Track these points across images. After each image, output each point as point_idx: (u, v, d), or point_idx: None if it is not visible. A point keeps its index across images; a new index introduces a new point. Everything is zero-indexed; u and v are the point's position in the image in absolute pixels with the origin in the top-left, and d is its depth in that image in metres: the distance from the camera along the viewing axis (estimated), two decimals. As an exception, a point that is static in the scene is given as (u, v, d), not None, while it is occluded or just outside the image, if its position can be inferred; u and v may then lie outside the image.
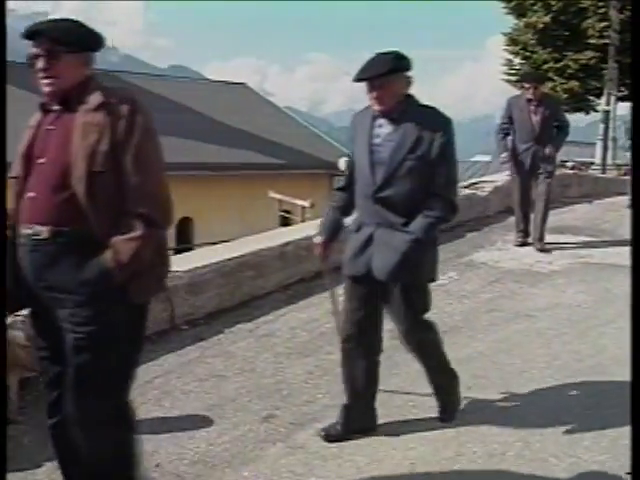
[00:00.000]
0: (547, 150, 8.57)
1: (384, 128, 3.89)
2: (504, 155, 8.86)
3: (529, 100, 8.61)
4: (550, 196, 8.86)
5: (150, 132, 2.87)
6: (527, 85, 8.70)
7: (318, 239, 4.19)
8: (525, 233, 8.96)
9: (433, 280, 4.10)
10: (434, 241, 4.04)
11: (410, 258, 3.80)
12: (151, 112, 2.91)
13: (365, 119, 3.97)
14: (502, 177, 10.99)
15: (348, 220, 4.18)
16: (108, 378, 2.88)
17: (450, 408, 4.30)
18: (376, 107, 3.85)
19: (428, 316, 4.13)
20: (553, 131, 8.72)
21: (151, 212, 2.82)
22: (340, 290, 4.25)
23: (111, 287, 2.75)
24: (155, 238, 2.87)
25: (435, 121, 3.83)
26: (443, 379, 4.29)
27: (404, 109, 3.84)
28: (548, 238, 8.98)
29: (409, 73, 3.86)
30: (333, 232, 4.18)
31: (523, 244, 8.89)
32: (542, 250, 8.59)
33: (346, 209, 4.16)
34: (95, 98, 2.85)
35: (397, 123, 3.84)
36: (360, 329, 3.99)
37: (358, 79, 3.81)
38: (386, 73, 3.73)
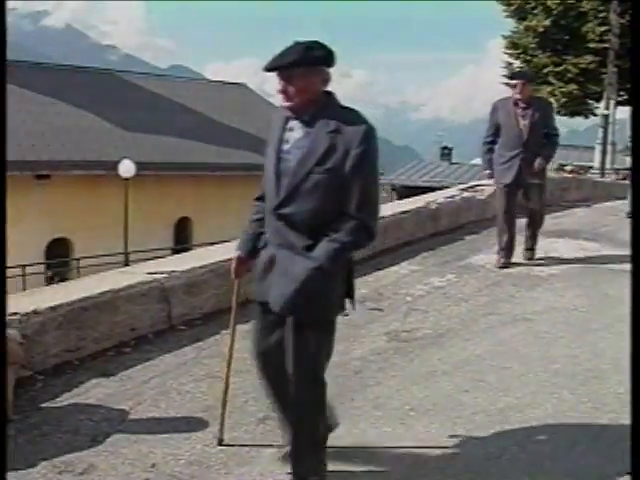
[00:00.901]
0: (536, 164, 7.82)
1: (295, 132, 3.35)
2: (487, 172, 8.18)
3: (516, 103, 7.81)
4: (544, 211, 8.35)
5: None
6: (514, 82, 7.88)
7: (235, 254, 3.73)
8: (508, 251, 8.03)
9: (342, 314, 3.52)
10: (351, 270, 3.50)
11: (309, 289, 3.24)
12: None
13: (279, 119, 3.45)
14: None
15: None
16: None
17: None
18: (283, 104, 3.33)
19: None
20: (542, 138, 7.91)
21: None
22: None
23: None
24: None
25: (353, 127, 3.22)
26: (306, 470, 3.53)
27: (318, 110, 3.29)
28: (546, 242, 8.97)
29: (327, 68, 3.31)
30: (251, 247, 3.62)
31: (505, 265, 7.95)
32: (530, 258, 8.18)
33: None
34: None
35: (309, 127, 3.30)
36: (265, 359, 3.60)
37: (265, 69, 3.28)
38: (291, 64, 3.20)
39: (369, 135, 3.22)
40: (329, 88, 3.33)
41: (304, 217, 3.27)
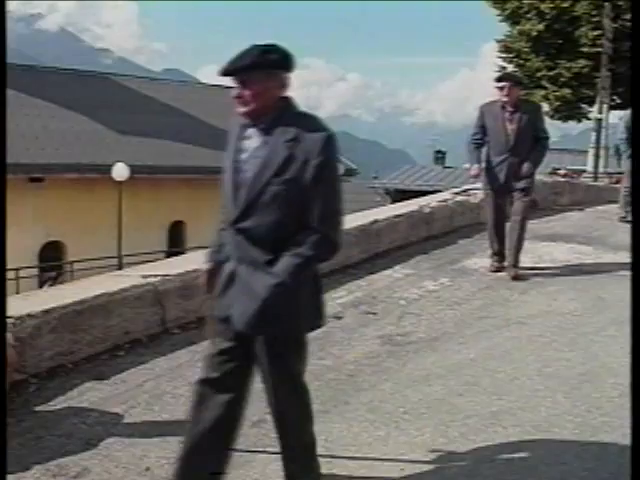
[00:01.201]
0: (524, 168, 7.55)
1: (253, 140, 3.19)
2: (475, 167, 7.81)
3: (503, 106, 7.56)
4: (527, 217, 7.87)
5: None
6: (501, 84, 7.54)
7: (204, 266, 3.54)
8: (501, 256, 7.90)
9: (312, 329, 3.39)
10: (318, 284, 3.34)
11: (271, 306, 3.09)
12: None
13: (236, 127, 3.30)
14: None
15: None
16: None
17: None
18: (239, 111, 3.17)
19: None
20: (531, 142, 7.62)
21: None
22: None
23: None
24: None
25: (313, 135, 3.05)
26: (300, 469, 3.50)
27: (276, 117, 3.13)
28: (540, 245, 9.00)
29: (285, 72, 3.16)
30: (220, 258, 3.41)
31: (499, 269, 7.83)
32: (516, 278, 7.56)
33: None
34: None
35: (266, 135, 3.13)
36: (217, 386, 3.32)
37: (220, 74, 3.17)
38: (247, 67, 3.06)
39: (329, 143, 3.07)
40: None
41: (264, 231, 3.12)
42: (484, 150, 7.80)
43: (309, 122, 3.14)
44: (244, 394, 3.38)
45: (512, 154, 7.56)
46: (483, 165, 7.80)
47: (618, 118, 11.09)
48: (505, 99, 7.51)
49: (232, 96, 3.15)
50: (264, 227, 3.12)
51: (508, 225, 7.88)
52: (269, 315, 3.11)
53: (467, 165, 8.42)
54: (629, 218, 10.71)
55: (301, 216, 3.10)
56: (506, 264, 7.79)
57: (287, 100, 3.18)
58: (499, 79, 7.66)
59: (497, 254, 7.92)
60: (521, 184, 7.64)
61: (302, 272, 3.12)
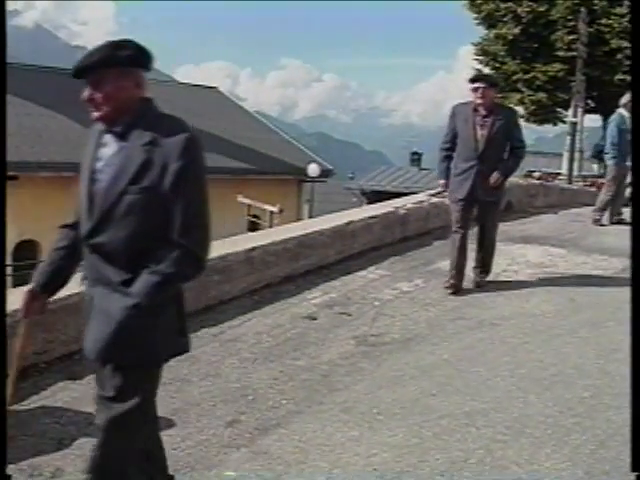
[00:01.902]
0: (492, 179, 6.93)
1: (109, 147, 2.85)
2: (442, 182, 7.30)
3: (476, 109, 6.92)
4: (496, 232, 7.37)
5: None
6: (475, 85, 6.89)
7: (27, 287, 3.16)
8: (460, 274, 7.17)
9: (173, 356, 3.03)
10: (181, 305, 2.97)
11: (126, 331, 2.74)
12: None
13: (94, 134, 2.96)
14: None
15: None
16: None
17: None
18: (92, 115, 2.85)
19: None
20: (504, 150, 7.05)
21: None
22: None
23: None
24: None
25: (172, 138, 2.73)
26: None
27: (133, 120, 2.80)
28: (514, 247, 9.05)
29: (141, 69, 2.87)
30: (47, 280, 3.10)
31: (456, 290, 7.09)
32: (479, 285, 7.23)
33: (73, 252, 3.04)
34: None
35: (122, 140, 2.81)
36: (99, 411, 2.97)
37: (72, 75, 2.84)
38: (97, 64, 2.75)
39: (191, 146, 2.75)
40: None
41: (120, 246, 2.78)
42: (454, 156, 7.19)
43: (169, 124, 2.82)
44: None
45: (480, 162, 6.92)
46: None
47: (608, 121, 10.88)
48: (479, 101, 6.89)
49: (82, 99, 2.83)
50: (120, 242, 2.78)
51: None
52: (122, 340, 2.76)
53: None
54: (604, 222, 10.83)
55: (161, 229, 2.76)
56: (466, 284, 7.21)
57: (146, 101, 2.88)
58: (473, 79, 7.01)
59: (456, 270, 7.18)
60: (489, 196, 7.05)
61: (161, 292, 2.77)
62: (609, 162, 10.86)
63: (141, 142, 2.75)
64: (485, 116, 6.92)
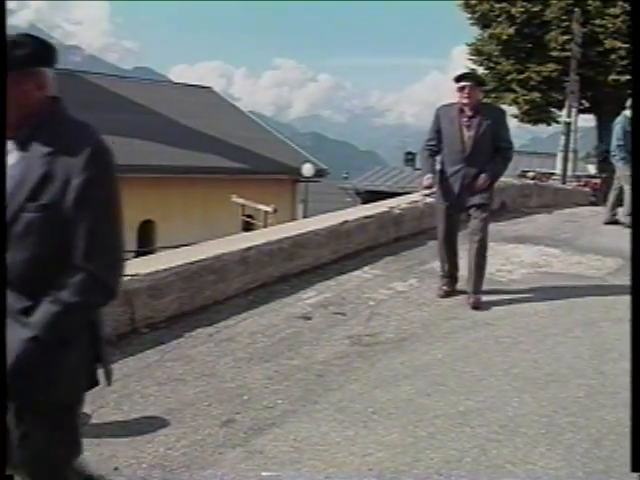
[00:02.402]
0: (479, 181, 6.66)
1: (10, 157, 2.44)
2: (429, 177, 6.80)
3: (462, 109, 6.67)
4: (487, 236, 6.88)
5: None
6: (461, 84, 6.62)
7: None
8: (452, 279, 7.07)
9: (87, 390, 2.61)
10: (96, 334, 2.58)
11: (23, 366, 2.34)
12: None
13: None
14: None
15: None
16: None
17: None
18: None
19: None
20: (491, 151, 6.73)
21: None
22: None
23: None
24: None
25: (76, 148, 2.38)
26: None
27: (36, 127, 2.44)
28: (508, 247, 9.07)
29: (43, 68, 2.51)
30: None
31: (448, 294, 6.97)
32: (476, 307, 6.65)
33: None
34: None
35: (24, 149, 2.43)
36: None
37: None
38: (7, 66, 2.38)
39: (97, 157, 2.40)
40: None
41: (18, 270, 2.40)
42: (439, 158, 6.94)
43: (76, 131, 2.47)
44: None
45: (468, 164, 6.68)
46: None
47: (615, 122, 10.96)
48: (465, 101, 6.62)
49: None
50: (18, 265, 2.40)
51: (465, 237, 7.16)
52: (20, 378, 2.36)
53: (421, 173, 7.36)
54: (621, 220, 10.88)
55: (65, 251, 2.40)
56: (466, 289, 6.85)
57: (53, 103, 2.52)
58: (459, 78, 6.71)
59: (447, 276, 7.09)
60: (478, 199, 6.75)
61: (64, 323, 2.40)
62: (618, 163, 10.91)
63: (42, 152, 2.39)
64: (471, 116, 6.67)
